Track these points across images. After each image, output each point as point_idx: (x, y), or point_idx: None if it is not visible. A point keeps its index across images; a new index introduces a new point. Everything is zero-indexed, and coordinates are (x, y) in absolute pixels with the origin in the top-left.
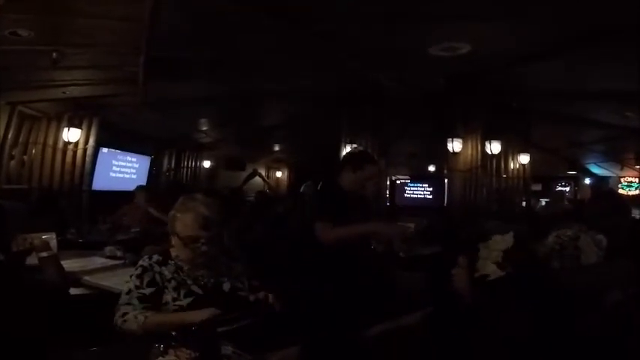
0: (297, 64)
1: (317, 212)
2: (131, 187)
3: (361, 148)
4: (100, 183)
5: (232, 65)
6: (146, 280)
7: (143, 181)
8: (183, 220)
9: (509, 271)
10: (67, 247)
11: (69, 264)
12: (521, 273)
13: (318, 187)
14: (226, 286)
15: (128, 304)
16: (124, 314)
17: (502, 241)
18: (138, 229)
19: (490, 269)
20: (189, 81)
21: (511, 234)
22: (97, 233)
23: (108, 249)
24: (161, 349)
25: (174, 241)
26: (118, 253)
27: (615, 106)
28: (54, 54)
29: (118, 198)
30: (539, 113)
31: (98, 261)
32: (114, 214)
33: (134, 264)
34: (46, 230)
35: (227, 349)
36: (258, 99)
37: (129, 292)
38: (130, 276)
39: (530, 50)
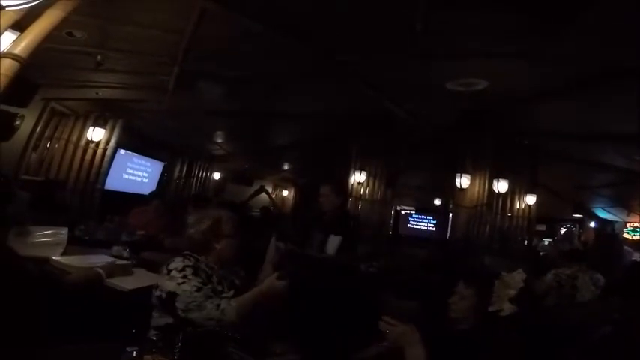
0: (317, 89)
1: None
2: (141, 191)
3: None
4: (112, 183)
5: (254, 84)
6: (203, 275)
7: (154, 186)
8: (234, 220)
9: (518, 307)
10: (73, 242)
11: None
12: (524, 310)
13: None
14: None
15: (209, 296)
16: (218, 306)
17: (518, 279)
18: (143, 232)
19: (506, 305)
20: (211, 94)
21: (520, 271)
22: (103, 232)
23: (115, 248)
24: (134, 354)
25: (220, 243)
26: (125, 254)
27: (624, 150)
28: (99, 57)
29: (127, 199)
30: (549, 153)
31: (105, 259)
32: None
33: (139, 265)
34: (47, 225)
35: (230, 352)
36: (274, 118)
37: (199, 289)
38: (183, 277)
39: (543, 89)
